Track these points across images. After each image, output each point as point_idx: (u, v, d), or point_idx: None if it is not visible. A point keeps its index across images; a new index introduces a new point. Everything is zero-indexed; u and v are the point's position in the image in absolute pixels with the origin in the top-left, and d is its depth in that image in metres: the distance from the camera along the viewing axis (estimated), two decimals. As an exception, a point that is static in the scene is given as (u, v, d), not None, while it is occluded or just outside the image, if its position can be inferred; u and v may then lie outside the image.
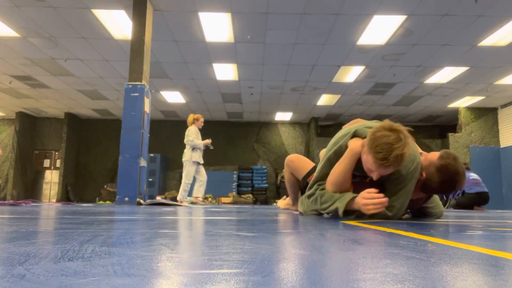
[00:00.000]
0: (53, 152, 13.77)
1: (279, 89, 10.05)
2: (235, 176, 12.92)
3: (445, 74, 8.69)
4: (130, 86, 5.65)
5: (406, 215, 2.48)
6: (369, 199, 1.95)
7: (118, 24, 6.49)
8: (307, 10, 5.98)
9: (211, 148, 7.48)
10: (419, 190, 2.18)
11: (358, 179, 2.21)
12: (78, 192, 13.28)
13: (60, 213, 2.39)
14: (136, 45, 5.74)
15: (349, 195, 2.06)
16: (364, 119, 2.62)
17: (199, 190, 7.15)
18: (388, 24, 6.38)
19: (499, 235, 1.26)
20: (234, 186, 12.81)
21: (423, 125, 13.68)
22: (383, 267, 0.57)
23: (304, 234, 1.13)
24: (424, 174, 2.09)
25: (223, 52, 7.67)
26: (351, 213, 2.08)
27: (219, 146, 12.70)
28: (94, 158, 13.65)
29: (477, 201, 7.14)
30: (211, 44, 7.26)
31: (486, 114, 11.55)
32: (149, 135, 5.90)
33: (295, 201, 3.18)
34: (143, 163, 5.60)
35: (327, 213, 2.48)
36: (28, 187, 13.38)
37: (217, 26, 6.54)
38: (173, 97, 10.90)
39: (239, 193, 12.78)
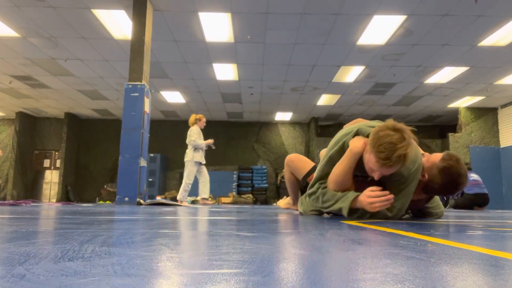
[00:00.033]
0: (53, 152, 13.77)
1: (279, 89, 10.05)
2: (235, 176, 12.92)
3: (445, 74, 8.69)
4: (130, 86, 5.65)
5: (406, 215, 2.48)
6: (375, 197, 1.94)
7: (118, 24, 6.49)
8: (307, 10, 5.98)
9: (213, 148, 7.48)
10: (420, 191, 2.17)
11: (360, 178, 2.21)
12: (78, 192, 13.29)
13: (60, 213, 2.39)
14: (136, 45, 5.74)
15: (352, 194, 2.05)
16: (364, 119, 2.61)
17: (204, 191, 7.12)
18: (388, 24, 6.38)
19: (499, 235, 1.26)
20: (234, 186, 12.81)
21: (423, 125, 13.68)
22: (383, 267, 0.57)
23: (304, 234, 1.13)
24: (426, 176, 2.09)
25: (223, 52, 7.67)
26: (354, 211, 2.08)
27: (219, 146, 12.69)
28: (94, 158, 13.65)
29: (475, 202, 7.13)
30: (211, 44, 7.26)
31: (486, 114, 11.55)
32: (149, 135, 5.90)
33: (295, 200, 3.18)
34: (143, 163, 5.60)
35: (328, 213, 2.48)
36: (28, 187, 13.38)
37: (217, 26, 6.54)
38: (173, 97, 10.90)
39: (239, 193, 12.78)
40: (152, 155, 12.54)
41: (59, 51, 7.73)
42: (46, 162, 13.77)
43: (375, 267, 0.57)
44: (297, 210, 3.09)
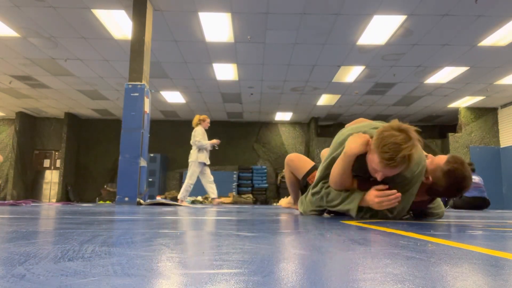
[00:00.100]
0: (53, 152, 13.77)
1: (279, 89, 10.05)
2: (235, 176, 12.92)
3: (445, 74, 8.69)
4: (130, 86, 5.65)
5: (407, 216, 2.48)
6: (382, 196, 1.94)
7: (118, 24, 6.49)
8: (307, 10, 5.98)
9: (217, 148, 7.49)
10: (423, 192, 2.17)
11: (361, 178, 2.21)
12: (78, 192, 13.29)
13: (60, 213, 2.39)
14: (136, 45, 5.74)
15: (358, 196, 2.05)
16: (365, 118, 2.61)
17: (212, 192, 7.12)
18: (388, 24, 6.38)
19: (499, 235, 1.26)
20: (234, 186, 12.80)
21: (423, 125, 13.68)
22: (383, 267, 0.57)
23: (304, 234, 1.13)
24: (430, 178, 2.08)
25: (223, 52, 7.67)
26: (359, 210, 2.08)
27: (219, 146, 12.68)
28: (94, 158, 13.65)
29: (473, 205, 7.06)
30: (211, 44, 7.26)
31: (486, 114, 11.55)
32: (149, 135, 5.90)
33: (296, 200, 3.18)
34: (143, 163, 5.60)
35: (328, 213, 2.48)
36: (28, 187, 13.38)
37: (217, 26, 6.54)
38: (173, 97, 10.90)
39: (239, 193, 12.77)
40: (152, 155, 12.54)
41: (59, 51, 7.73)
42: (46, 162, 13.77)
43: (375, 267, 0.57)
44: (297, 209, 3.09)
